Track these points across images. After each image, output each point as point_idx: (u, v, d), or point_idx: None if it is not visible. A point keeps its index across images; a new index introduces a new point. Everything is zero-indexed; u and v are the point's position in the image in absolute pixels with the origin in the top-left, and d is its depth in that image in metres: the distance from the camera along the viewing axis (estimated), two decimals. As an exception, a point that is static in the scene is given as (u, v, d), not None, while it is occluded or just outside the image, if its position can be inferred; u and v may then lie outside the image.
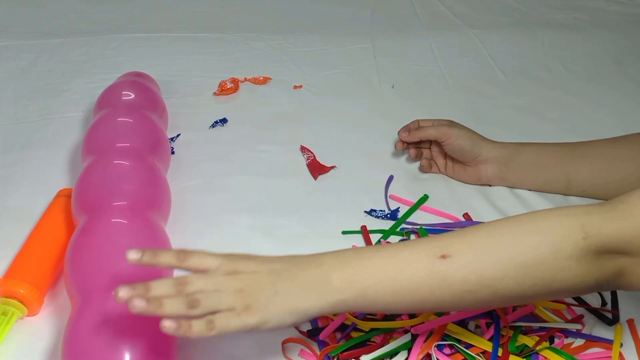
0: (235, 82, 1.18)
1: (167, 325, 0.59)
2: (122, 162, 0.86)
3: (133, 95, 0.98)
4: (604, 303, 0.83)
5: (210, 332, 0.60)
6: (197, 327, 0.60)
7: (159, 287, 0.61)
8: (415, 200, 0.96)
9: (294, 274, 0.63)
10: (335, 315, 0.78)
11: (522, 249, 0.63)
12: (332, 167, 1.01)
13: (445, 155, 1.00)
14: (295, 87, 1.19)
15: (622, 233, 0.62)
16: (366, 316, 0.78)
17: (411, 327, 0.76)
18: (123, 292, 0.59)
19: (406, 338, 0.75)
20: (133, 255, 0.62)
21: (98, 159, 0.86)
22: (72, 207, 0.83)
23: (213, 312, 0.60)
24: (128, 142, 0.89)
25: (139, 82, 1.03)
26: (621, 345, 0.77)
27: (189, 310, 0.60)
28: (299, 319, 0.63)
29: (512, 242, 0.64)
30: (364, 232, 0.90)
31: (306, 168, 1.01)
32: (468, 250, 0.64)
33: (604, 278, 0.64)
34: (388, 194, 0.97)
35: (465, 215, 0.94)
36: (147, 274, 0.69)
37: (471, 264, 0.63)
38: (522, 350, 0.76)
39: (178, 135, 1.05)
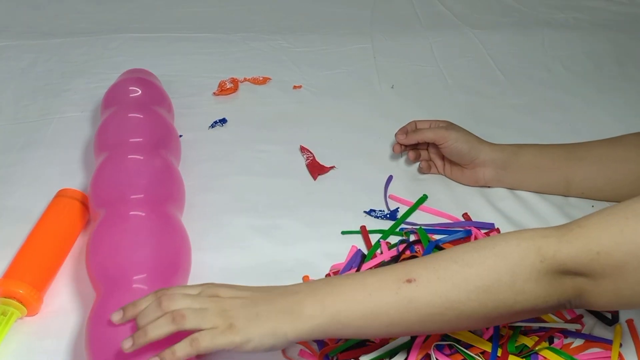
0: (234, 82, 1.18)
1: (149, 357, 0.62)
2: (137, 156, 0.87)
3: (140, 92, 0.99)
4: (603, 303, 0.83)
5: (195, 349, 0.62)
6: (181, 349, 0.62)
7: (146, 315, 0.64)
8: (414, 201, 0.96)
9: (273, 300, 0.65)
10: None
11: (482, 273, 0.65)
12: (332, 167, 1.01)
13: (443, 157, 0.99)
14: (295, 87, 1.19)
15: (578, 256, 0.64)
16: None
17: (410, 327, 0.76)
18: (115, 317, 0.66)
19: (405, 338, 0.75)
20: (116, 316, 0.66)
21: (112, 154, 0.88)
22: (89, 202, 0.85)
23: (196, 330, 0.63)
24: (141, 137, 0.90)
25: (144, 78, 1.04)
26: (620, 345, 0.77)
27: (175, 325, 0.62)
28: (279, 342, 0.64)
29: (472, 266, 0.65)
30: (364, 232, 0.90)
31: (306, 168, 1.01)
32: (432, 274, 0.65)
33: (565, 297, 0.66)
34: (387, 194, 0.97)
35: (465, 215, 0.94)
36: (165, 267, 0.76)
37: (435, 287, 0.65)
38: (521, 351, 0.76)
39: (180, 137, 1.05)
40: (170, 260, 0.77)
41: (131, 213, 0.80)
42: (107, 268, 0.75)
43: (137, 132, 0.91)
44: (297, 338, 0.65)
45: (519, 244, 0.65)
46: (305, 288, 0.67)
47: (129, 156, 0.87)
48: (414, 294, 0.65)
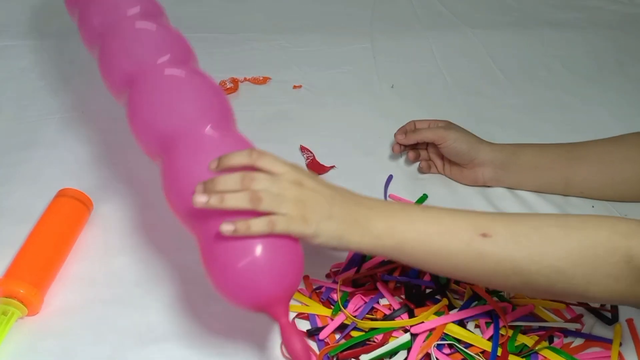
0: (235, 82, 1.18)
1: (225, 228, 0.63)
2: (179, 74, 0.79)
3: (139, 7, 0.89)
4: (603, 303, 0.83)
5: (269, 230, 0.64)
6: (256, 226, 0.64)
7: (226, 182, 0.65)
8: (414, 200, 0.96)
9: (348, 207, 0.67)
10: (334, 315, 0.78)
11: (561, 255, 0.64)
12: (332, 167, 1.01)
13: (443, 157, 0.99)
14: (295, 87, 1.19)
15: None
16: (366, 316, 0.78)
17: (410, 326, 0.76)
18: (212, 165, 0.67)
19: (406, 338, 0.76)
20: (213, 164, 0.67)
21: (148, 78, 0.79)
22: (147, 142, 0.78)
23: (271, 214, 0.64)
24: (168, 53, 0.82)
25: None
26: (620, 344, 0.77)
27: (251, 204, 0.64)
28: (342, 247, 0.67)
29: (554, 243, 0.64)
30: (364, 231, 0.90)
31: (306, 168, 1.02)
32: (509, 237, 0.65)
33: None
34: (387, 194, 0.97)
35: (465, 215, 0.94)
36: (222, 112, 0.77)
37: (509, 251, 0.64)
38: (521, 350, 0.76)
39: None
40: (225, 106, 0.78)
41: (168, 71, 0.78)
42: (169, 124, 0.74)
43: (161, 49, 0.83)
44: (359, 250, 0.67)
45: (609, 238, 0.63)
46: (381, 207, 0.68)
47: (171, 75, 0.80)
48: (486, 249, 0.65)
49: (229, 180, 0.65)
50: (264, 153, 0.67)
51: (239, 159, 0.67)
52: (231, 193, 0.65)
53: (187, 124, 0.74)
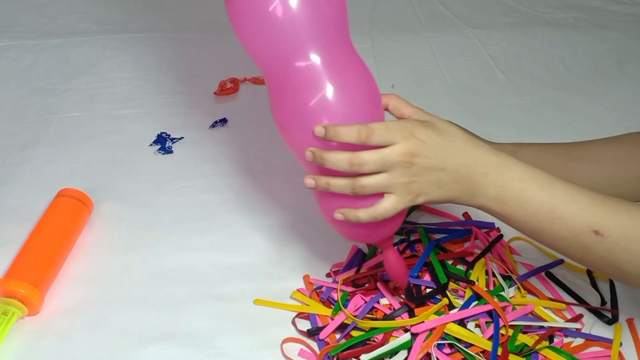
0: (235, 82, 1.18)
1: (336, 215, 0.69)
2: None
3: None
4: (603, 302, 0.83)
5: (376, 217, 0.68)
6: (365, 215, 0.68)
7: (335, 161, 0.66)
8: (415, 200, 0.96)
9: (459, 176, 0.69)
10: (334, 314, 0.78)
11: None
12: (332, 167, 1.01)
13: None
14: (295, 87, 1.19)
15: None
16: (366, 315, 0.78)
17: (411, 326, 0.76)
18: (308, 158, 0.68)
19: (406, 337, 0.75)
20: (319, 131, 0.67)
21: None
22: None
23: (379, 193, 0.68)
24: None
25: None
26: (620, 344, 0.77)
27: (354, 192, 0.67)
28: (450, 202, 0.71)
29: None
30: (364, 231, 0.90)
31: (306, 168, 1.01)
32: (621, 241, 0.67)
33: None
34: (388, 194, 0.97)
35: (465, 214, 0.94)
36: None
37: (616, 254, 0.66)
38: (521, 350, 0.76)
39: (181, 138, 1.05)
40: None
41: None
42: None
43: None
44: (466, 206, 0.73)
45: None
46: (495, 177, 0.69)
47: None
48: (593, 246, 0.67)
49: (338, 161, 0.66)
50: (373, 130, 0.66)
51: (348, 136, 0.66)
52: (337, 180, 0.68)
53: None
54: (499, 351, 0.74)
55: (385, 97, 0.73)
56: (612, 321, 0.81)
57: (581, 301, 0.83)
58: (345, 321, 0.77)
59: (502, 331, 0.77)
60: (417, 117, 0.71)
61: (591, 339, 0.78)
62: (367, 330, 0.77)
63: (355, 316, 0.78)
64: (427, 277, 0.83)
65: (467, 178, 0.69)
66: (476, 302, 0.80)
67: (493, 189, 0.69)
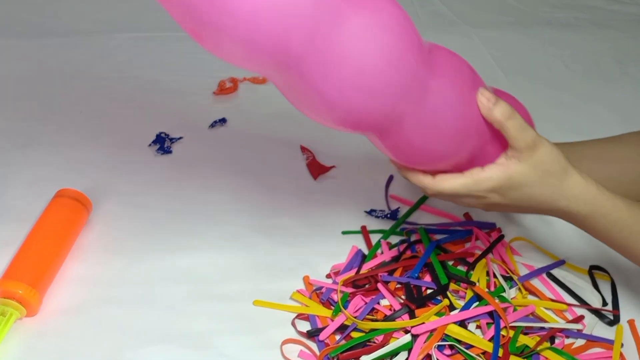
0: (234, 81, 1.18)
1: None
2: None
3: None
4: (604, 303, 0.83)
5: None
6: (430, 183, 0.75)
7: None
8: (415, 200, 0.96)
9: (540, 202, 0.73)
10: (334, 316, 0.78)
11: None
12: (332, 167, 1.01)
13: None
14: (295, 86, 1.18)
15: None
16: (366, 316, 0.78)
17: (411, 327, 0.75)
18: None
19: (406, 339, 0.75)
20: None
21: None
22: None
23: None
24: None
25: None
26: (622, 345, 0.77)
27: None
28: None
29: None
30: (364, 232, 0.90)
31: (306, 168, 1.01)
32: None
33: None
34: (388, 194, 0.97)
35: (466, 215, 0.94)
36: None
37: None
38: (522, 351, 0.76)
39: (180, 138, 1.05)
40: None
41: None
42: None
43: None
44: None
45: None
46: (578, 206, 0.73)
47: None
48: None
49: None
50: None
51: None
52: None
53: None
54: (500, 352, 0.74)
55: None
56: (613, 322, 0.80)
57: (582, 302, 0.83)
58: (345, 322, 0.77)
59: (503, 332, 0.77)
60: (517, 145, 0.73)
61: (592, 340, 0.78)
62: (368, 331, 0.76)
63: (355, 317, 0.77)
64: (427, 278, 0.83)
65: (547, 201, 0.73)
66: (477, 303, 0.80)
67: (576, 216, 0.74)
